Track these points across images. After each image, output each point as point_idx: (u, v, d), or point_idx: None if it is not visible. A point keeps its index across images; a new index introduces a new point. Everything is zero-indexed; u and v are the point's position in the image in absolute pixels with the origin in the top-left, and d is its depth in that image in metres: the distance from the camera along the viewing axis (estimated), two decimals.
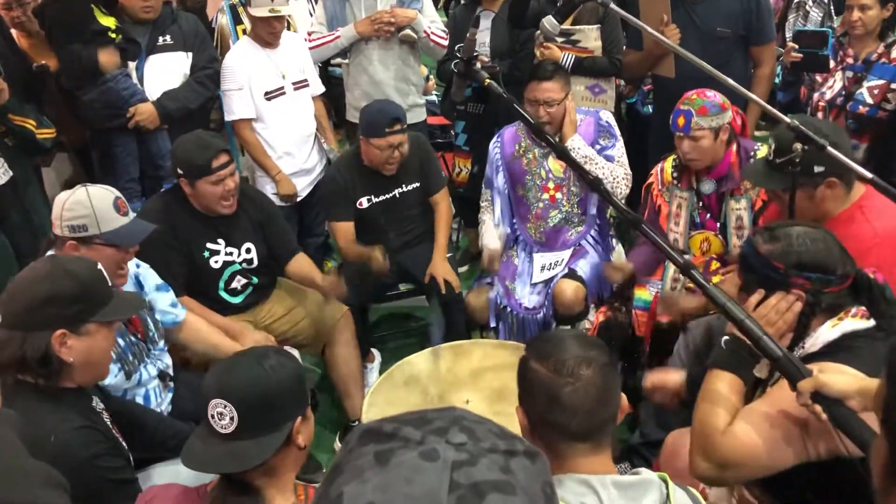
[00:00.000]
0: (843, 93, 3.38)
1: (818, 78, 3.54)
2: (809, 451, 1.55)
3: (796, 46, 3.34)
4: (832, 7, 4.47)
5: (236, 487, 1.43)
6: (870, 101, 3.29)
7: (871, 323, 1.65)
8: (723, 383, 1.65)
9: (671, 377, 2.17)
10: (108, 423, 1.86)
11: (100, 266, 1.85)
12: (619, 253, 3.44)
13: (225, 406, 1.42)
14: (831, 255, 1.67)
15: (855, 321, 1.65)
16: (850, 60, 3.40)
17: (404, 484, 0.62)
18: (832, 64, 3.43)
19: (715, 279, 2.79)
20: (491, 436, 0.68)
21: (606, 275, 3.04)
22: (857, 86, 3.34)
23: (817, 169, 2.14)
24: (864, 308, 1.67)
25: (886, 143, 3.31)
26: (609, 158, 3.17)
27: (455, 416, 0.69)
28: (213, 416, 1.43)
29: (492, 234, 3.35)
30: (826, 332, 1.66)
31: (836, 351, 1.61)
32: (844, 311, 1.67)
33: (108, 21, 3.37)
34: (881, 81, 3.27)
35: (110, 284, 1.87)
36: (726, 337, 1.69)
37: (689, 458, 1.66)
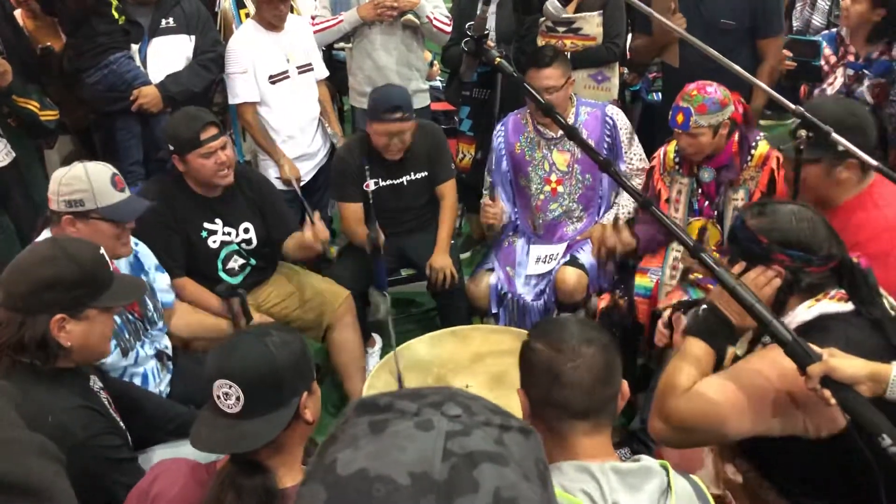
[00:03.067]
0: (844, 90, 3.35)
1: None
2: (798, 424, 1.56)
3: (790, 54, 3.32)
4: None
5: (246, 467, 1.42)
6: (869, 99, 3.25)
7: (849, 306, 1.66)
8: (692, 350, 1.67)
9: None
10: (107, 403, 1.87)
11: (101, 250, 1.84)
12: None
13: (230, 386, 1.41)
14: (816, 235, 1.68)
15: (832, 303, 1.66)
16: (851, 58, 3.36)
17: (398, 451, 0.62)
18: (833, 60, 3.41)
19: (698, 273, 2.78)
20: (485, 410, 0.68)
21: (606, 237, 2.91)
22: (858, 83, 3.31)
23: (840, 148, 2.12)
24: (843, 291, 1.68)
25: (885, 141, 3.28)
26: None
27: (451, 392, 0.70)
28: (218, 397, 1.42)
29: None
30: (802, 311, 1.67)
31: (808, 331, 1.61)
32: (823, 293, 1.68)
33: (112, 1, 3.36)
34: (881, 80, 3.24)
35: (110, 261, 1.86)
36: (704, 306, 1.71)
37: (650, 419, 1.68)
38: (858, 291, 1.67)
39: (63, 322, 1.71)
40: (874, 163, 1.94)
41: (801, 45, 3.42)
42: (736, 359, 1.79)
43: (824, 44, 3.39)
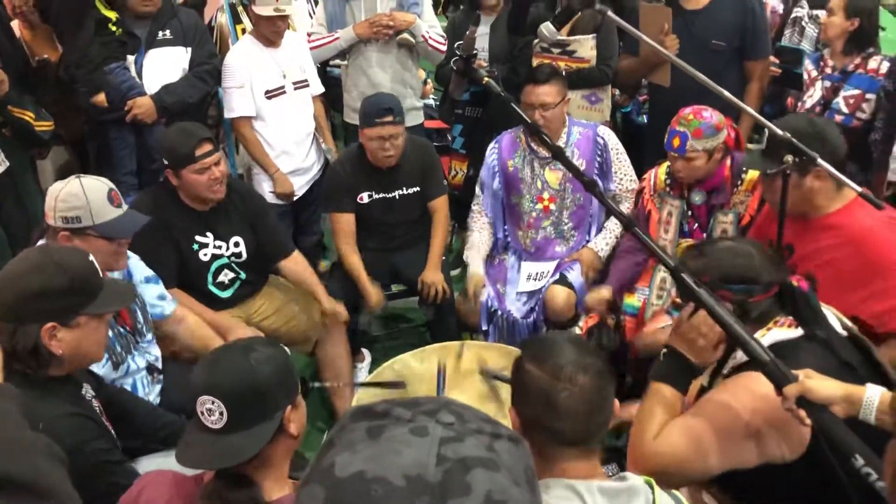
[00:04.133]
0: (822, 102, 3.44)
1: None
2: (773, 450, 1.59)
3: (776, 61, 3.40)
4: None
5: (232, 480, 1.42)
6: (845, 110, 3.35)
7: (799, 332, 1.71)
8: (658, 395, 1.70)
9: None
10: (98, 410, 1.87)
11: (91, 257, 1.84)
12: None
13: (213, 402, 1.41)
14: (752, 266, 1.75)
15: (783, 330, 1.72)
16: (828, 70, 3.46)
17: (394, 455, 0.65)
18: (814, 74, 3.50)
19: None
20: (477, 419, 0.71)
21: (590, 306, 3.01)
22: (834, 95, 3.40)
23: (811, 154, 2.15)
24: (791, 318, 1.73)
25: (861, 153, 3.35)
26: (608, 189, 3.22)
27: (444, 401, 0.73)
28: (202, 413, 1.43)
29: (477, 258, 3.36)
30: None
31: None
32: (773, 322, 1.74)
33: (110, 14, 3.38)
34: (857, 91, 3.33)
35: (101, 274, 1.86)
36: (664, 350, 1.75)
37: (627, 464, 1.70)
38: (801, 314, 1.73)
39: (54, 330, 1.72)
40: (858, 189, 1.98)
41: (787, 53, 3.62)
42: (702, 389, 1.82)
43: (807, 54, 3.49)
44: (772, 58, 3.46)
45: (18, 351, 1.68)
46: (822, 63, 3.50)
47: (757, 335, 1.69)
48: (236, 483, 1.42)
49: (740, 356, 1.71)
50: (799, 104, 3.58)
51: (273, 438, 1.44)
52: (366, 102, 3.23)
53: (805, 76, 3.59)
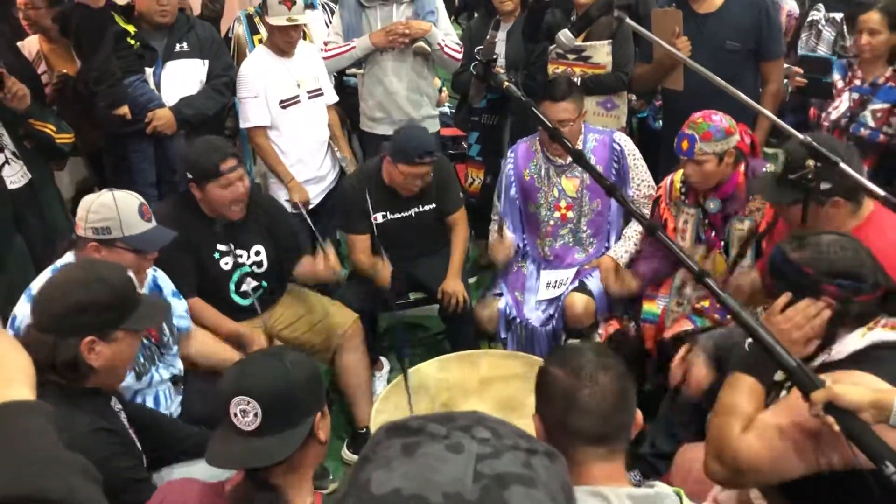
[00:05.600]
0: (848, 114, 3.38)
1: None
2: (821, 462, 1.55)
3: (801, 71, 3.35)
4: (845, 26, 4.48)
5: (259, 485, 1.43)
6: (872, 124, 3.28)
7: None
8: (743, 387, 1.65)
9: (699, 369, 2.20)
10: (125, 423, 1.88)
11: (130, 273, 1.88)
12: None
13: (248, 402, 1.42)
14: (863, 263, 1.67)
15: (885, 332, 1.64)
16: (857, 82, 3.40)
17: (430, 472, 0.65)
18: (840, 84, 3.44)
19: (705, 302, 2.80)
20: (513, 435, 0.70)
21: (608, 284, 3.02)
22: (862, 108, 3.33)
23: (824, 186, 2.15)
24: (894, 320, 1.66)
25: (888, 167, 3.31)
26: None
27: (478, 416, 0.72)
28: (235, 415, 1.44)
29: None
30: (854, 340, 1.65)
31: (861, 360, 1.61)
32: (874, 321, 1.66)
33: (129, 28, 3.42)
34: (885, 105, 3.26)
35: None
36: (750, 340, 1.68)
37: (704, 461, 1.66)
38: None
39: (93, 344, 1.74)
40: (882, 193, 1.96)
41: (813, 62, 3.47)
42: (773, 382, 1.77)
43: (834, 62, 3.43)
44: (795, 68, 3.41)
45: (58, 363, 1.70)
46: (849, 73, 3.45)
47: (856, 333, 1.65)
48: (263, 487, 1.43)
49: (834, 353, 1.67)
50: (823, 115, 3.52)
51: (303, 444, 1.45)
52: (405, 139, 3.17)
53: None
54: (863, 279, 1.66)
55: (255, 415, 1.43)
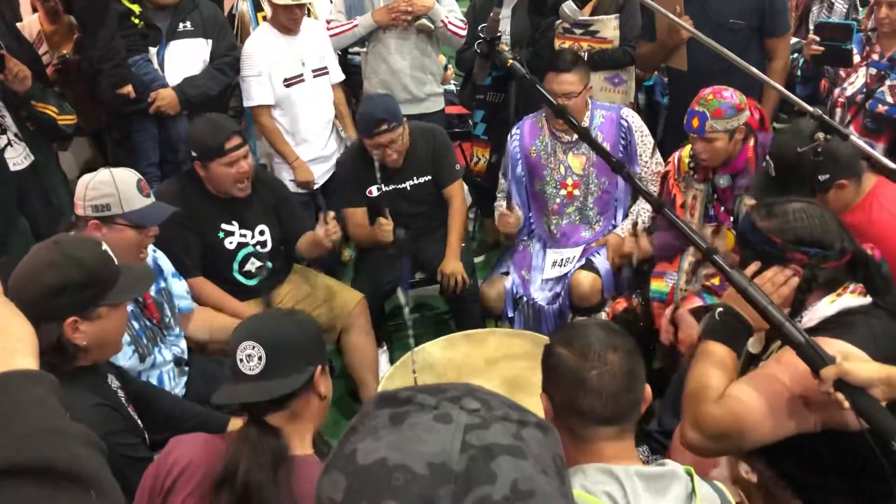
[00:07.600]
0: (865, 90, 3.30)
1: (842, 73, 3.46)
2: (809, 422, 1.56)
3: (817, 39, 3.24)
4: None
5: (262, 427, 1.50)
6: (890, 100, 3.20)
7: (869, 300, 1.66)
8: (715, 354, 1.66)
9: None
10: (124, 401, 1.87)
11: (104, 246, 1.82)
12: None
13: (254, 347, 1.49)
14: (828, 230, 1.68)
15: (853, 297, 1.67)
16: (875, 57, 3.31)
17: (417, 442, 0.64)
18: (857, 59, 3.35)
19: (715, 280, 2.77)
20: (504, 406, 0.69)
21: (618, 250, 2.99)
22: (879, 83, 3.24)
23: (822, 178, 2.15)
24: (861, 285, 1.68)
25: None
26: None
27: (469, 388, 0.70)
28: (241, 360, 1.50)
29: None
30: (824, 307, 1.67)
31: (832, 326, 1.62)
32: (843, 287, 1.68)
33: (133, 7, 3.39)
34: None
35: (117, 263, 1.84)
36: (720, 308, 1.70)
37: (681, 430, 1.66)
38: (873, 283, 1.68)
39: (76, 324, 1.72)
40: (893, 165, 1.92)
41: (832, 28, 3.28)
42: (749, 356, 1.77)
43: (855, 27, 3.32)
44: (811, 35, 3.31)
45: (43, 347, 1.67)
46: (867, 48, 3.37)
47: (825, 300, 1.67)
48: (265, 429, 1.49)
49: (805, 320, 1.68)
50: (837, 90, 3.43)
51: (303, 393, 1.52)
52: (360, 112, 3.19)
53: None
54: (829, 246, 1.67)
55: (260, 358, 1.49)
